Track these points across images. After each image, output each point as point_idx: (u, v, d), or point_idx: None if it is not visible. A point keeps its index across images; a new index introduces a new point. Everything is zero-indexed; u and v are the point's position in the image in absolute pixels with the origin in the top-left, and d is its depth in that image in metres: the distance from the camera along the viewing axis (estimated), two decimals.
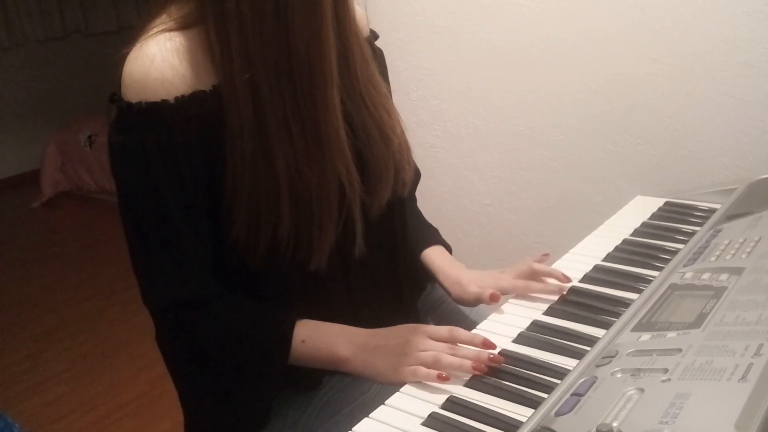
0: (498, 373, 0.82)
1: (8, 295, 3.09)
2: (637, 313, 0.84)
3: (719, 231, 1.04)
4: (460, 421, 0.74)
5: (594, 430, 0.62)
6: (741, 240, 0.97)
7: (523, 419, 0.71)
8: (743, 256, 0.92)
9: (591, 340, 0.85)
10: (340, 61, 0.85)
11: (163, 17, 0.85)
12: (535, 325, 0.92)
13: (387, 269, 1.02)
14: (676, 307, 0.83)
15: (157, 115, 0.81)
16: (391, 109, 0.97)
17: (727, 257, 0.93)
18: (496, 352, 0.84)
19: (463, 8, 1.63)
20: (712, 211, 1.17)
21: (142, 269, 0.87)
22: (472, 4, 1.62)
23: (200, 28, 0.83)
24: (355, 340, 0.89)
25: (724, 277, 0.87)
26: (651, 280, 0.98)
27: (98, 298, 2.99)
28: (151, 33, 0.83)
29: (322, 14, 0.80)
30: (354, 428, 0.75)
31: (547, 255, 1.06)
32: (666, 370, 0.68)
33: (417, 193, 1.19)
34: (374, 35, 1.06)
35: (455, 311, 1.15)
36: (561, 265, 1.08)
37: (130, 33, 0.85)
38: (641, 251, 1.10)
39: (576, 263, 1.08)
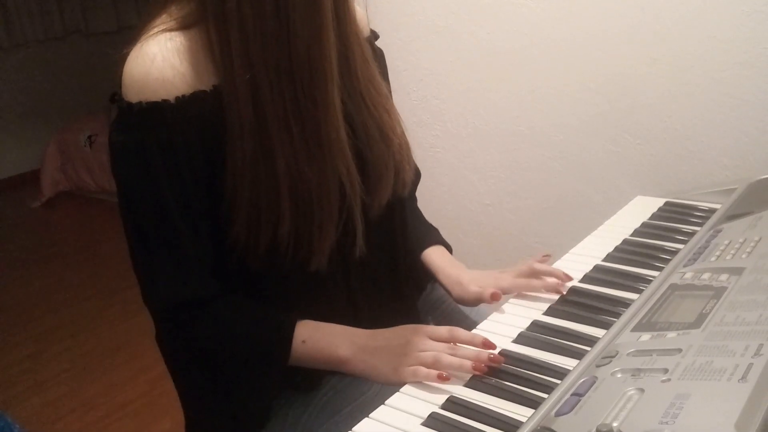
0: (498, 373, 0.82)
1: (8, 295, 3.09)
2: (637, 314, 0.84)
3: (719, 231, 1.04)
4: (460, 421, 0.74)
5: (594, 430, 0.62)
6: (741, 240, 0.97)
7: (523, 419, 0.71)
8: (743, 256, 0.92)
9: (591, 340, 0.85)
10: (341, 61, 0.85)
11: (164, 17, 0.85)
12: (535, 325, 0.92)
13: (387, 269, 1.02)
14: (676, 308, 0.83)
15: (158, 114, 0.81)
16: (391, 110, 0.97)
17: (727, 257, 0.93)
18: (496, 352, 0.84)
19: (463, 8, 1.63)
20: (712, 211, 1.17)
21: (143, 269, 0.87)
22: (472, 4, 1.62)
23: (201, 28, 0.83)
24: (355, 340, 0.89)
25: (724, 277, 0.87)
26: (651, 280, 0.98)
27: (98, 298, 2.99)
28: (151, 33, 0.83)
29: (323, 14, 0.80)
30: (354, 428, 0.75)
31: (548, 256, 1.06)
32: (666, 370, 0.68)
33: (417, 193, 1.19)
34: (374, 35, 1.06)
35: (455, 311, 1.15)
36: (561, 265, 1.08)
37: (130, 33, 0.85)
38: (641, 251, 1.10)
39: (576, 263, 1.08)
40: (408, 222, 1.06)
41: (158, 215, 0.84)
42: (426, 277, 1.11)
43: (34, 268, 3.39)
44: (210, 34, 0.82)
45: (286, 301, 0.92)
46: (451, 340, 0.86)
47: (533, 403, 0.75)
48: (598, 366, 0.74)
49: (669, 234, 1.16)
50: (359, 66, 0.91)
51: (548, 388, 0.76)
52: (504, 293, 1.00)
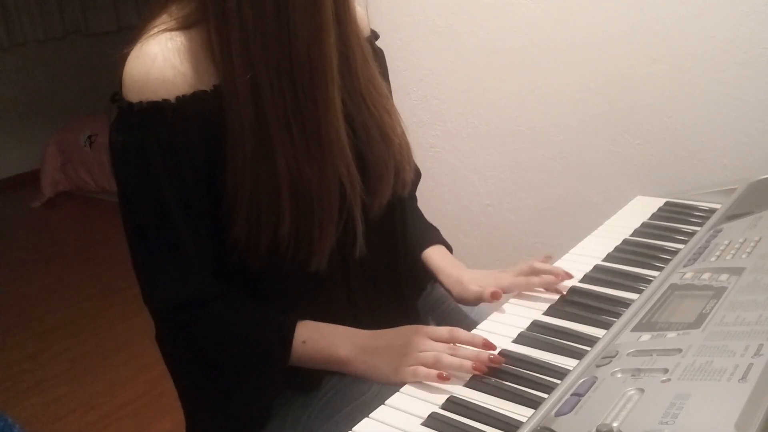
0: (498, 373, 0.82)
1: (8, 295, 3.09)
2: (637, 314, 0.84)
3: (719, 231, 1.04)
4: (460, 421, 0.75)
5: (594, 430, 0.62)
6: (741, 240, 0.97)
7: (523, 419, 0.71)
8: (743, 256, 0.92)
9: (591, 340, 0.85)
10: (341, 61, 0.85)
11: (164, 17, 0.85)
12: (535, 325, 0.92)
13: (387, 269, 1.02)
14: (676, 308, 0.83)
15: (158, 114, 0.81)
16: (391, 110, 0.97)
17: (727, 257, 0.93)
18: (496, 352, 0.84)
19: (463, 8, 1.63)
20: (712, 211, 1.17)
21: (143, 269, 0.87)
22: (472, 4, 1.62)
23: (201, 28, 0.83)
24: (356, 341, 0.89)
25: (724, 277, 0.87)
26: (651, 280, 0.98)
27: (98, 298, 2.99)
28: (152, 33, 0.83)
29: (323, 14, 0.80)
30: (354, 428, 0.75)
31: (549, 257, 1.06)
32: (666, 371, 0.68)
33: (417, 193, 1.19)
34: (375, 35, 1.06)
35: (455, 311, 1.15)
36: (561, 265, 1.08)
37: (130, 33, 0.85)
38: (641, 251, 1.10)
39: (576, 263, 1.08)
40: (408, 222, 1.06)
41: (158, 215, 0.84)
42: (426, 276, 1.11)
43: (34, 268, 3.39)
44: (210, 34, 0.82)
45: (286, 301, 0.92)
46: (451, 341, 0.86)
47: (533, 403, 0.75)
48: (598, 366, 0.74)
49: (669, 234, 1.16)
50: (360, 66, 0.91)
51: (548, 388, 0.76)
52: (504, 292, 1.00)
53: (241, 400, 0.91)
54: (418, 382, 0.82)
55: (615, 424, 0.62)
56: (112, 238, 3.48)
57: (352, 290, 0.97)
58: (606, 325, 0.87)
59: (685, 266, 0.95)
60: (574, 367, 0.77)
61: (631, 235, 1.17)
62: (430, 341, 0.86)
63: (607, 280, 1.02)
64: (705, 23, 1.35)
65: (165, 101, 0.81)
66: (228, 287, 0.90)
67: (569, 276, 1.01)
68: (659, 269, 1.01)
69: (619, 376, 0.71)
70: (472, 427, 0.73)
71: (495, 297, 0.99)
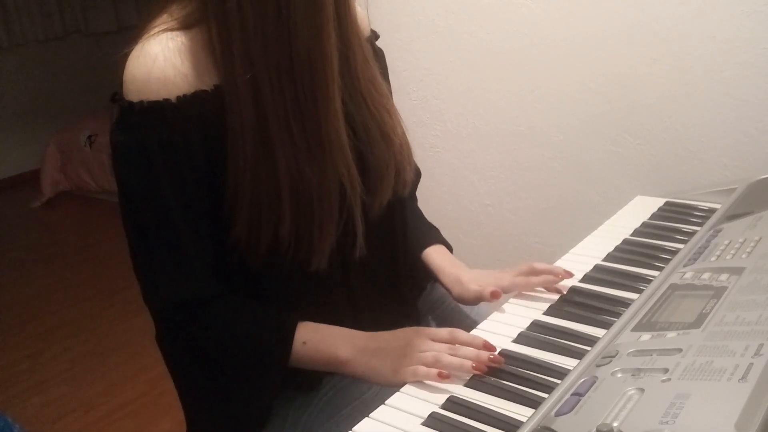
0: (498, 373, 0.82)
1: (8, 295, 3.09)
2: (637, 313, 0.84)
3: (719, 231, 1.04)
4: (460, 421, 0.75)
5: (594, 430, 0.62)
6: (741, 240, 0.97)
7: (524, 419, 0.71)
8: (743, 256, 0.92)
9: (591, 340, 0.85)
10: (342, 62, 0.85)
11: (165, 17, 0.85)
12: (536, 325, 0.92)
13: (387, 269, 1.02)
14: (676, 307, 0.83)
15: (159, 114, 0.81)
16: (392, 110, 0.97)
17: (727, 257, 0.93)
18: (496, 352, 0.84)
19: (463, 8, 1.63)
20: (712, 211, 1.17)
21: (143, 269, 0.87)
22: (472, 4, 1.62)
23: (202, 28, 0.83)
24: (356, 342, 0.89)
25: (724, 277, 0.87)
26: (651, 280, 0.98)
27: (98, 298, 2.99)
28: (152, 32, 0.83)
29: (324, 14, 0.80)
30: (354, 428, 0.75)
31: (571, 274, 1.04)
32: (666, 370, 0.68)
33: (417, 193, 1.19)
34: (375, 35, 1.06)
35: (455, 311, 1.15)
36: (561, 265, 1.08)
37: (130, 33, 0.85)
38: (641, 251, 1.10)
39: (576, 263, 1.08)
40: (408, 222, 1.07)
41: (159, 215, 0.84)
42: (426, 276, 1.11)
43: (34, 268, 3.39)
44: (211, 34, 0.82)
45: (286, 301, 0.92)
46: (451, 342, 0.86)
47: (533, 403, 0.75)
48: (598, 366, 0.74)
49: (669, 234, 1.16)
50: (360, 66, 0.91)
51: (548, 388, 0.76)
52: (504, 292, 1.00)
53: (241, 401, 0.91)
54: (419, 382, 0.82)
55: (615, 424, 0.62)
56: (112, 238, 3.48)
57: (352, 290, 0.97)
58: (606, 325, 0.87)
59: (685, 266, 0.95)
60: (575, 367, 0.77)
61: (631, 234, 1.17)
62: (430, 342, 0.86)
63: (607, 280, 1.02)
64: (705, 23, 1.35)
65: (166, 101, 0.81)
66: (228, 287, 0.90)
67: (569, 275, 1.01)
68: (659, 269, 1.01)
69: (619, 375, 0.71)
70: (472, 427, 0.73)
71: (494, 296, 0.99)
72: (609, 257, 1.10)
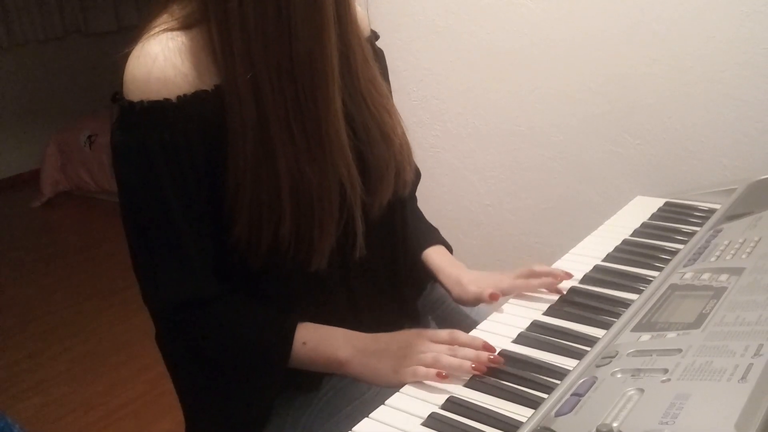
0: (498, 373, 0.82)
1: (8, 295, 3.09)
2: (637, 314, 0.84)
3: (719, 231, 1.04)
4: (460, 422, 0.75)
5: (594, 430, 0.62)
6: (741, 240, 0.97)
7: (523, 419, 0.71)
8: (743, 256, 0.92)
9: (591, 341, 0.85)
10: (342, 62, 0.85)
11: (165, 17, 0.85)
12: (535, 326, 0.92)
13: (387, 269, 1.02)
14: (676, 308, 0.83)
15: (159, 114, 0.81)
16: (392, 110, 0.97)
17: (727, 257, 0.93)
18: (496, 353, 0.84)
19: (463, 8, 1.63)
20: (712, 211, 1.17)
21: (143, 269, 0.87)
22: (472, 4, 1.62)
23: (202, 28, 0.83)
24: (355, 343, 0.89)
25: (724, 277, 0.87)
26: (651, 281, 0.98)
27: (98, 298, 2.99)
28: (153, 32, 0.83)
29: (324, 15, 0.80)
30: (354, 428, 0.75)
31: (570, 275, 1.04)
32: (666, 371, 0.68)
33: (417, 193, 1.19)
34: (375, 35, 1.06)
35: (455, 311, 1.15)
36: (561, 265, 1.08)
37: (130, 33, 0.85)
38: (641, 251, 1.10)
39: (576, 263, 1.08)
40: (408, 222, 1.07)
41: (159, 215, 0.84)
42: (426, 277, 1.11)
43: (34, 268, 3.39)
44: (212, 34, 0.82)
45: (286, 300, 0.92)
46: (451, 343, 0.86)
47: (533, 404, 0.75)
48: (598, 366, 0.74)
49: (669, 234, 1.16)
50: (360, 66, 0.91)
51: (548, 389, 0.76)
52: (503, 294, 1.00)
53: (241, 401, 0.91)
54: (418, 383, 0.82)
55: (615, 425, 0.62)
56: (112, 238, 3.48)
57: (352, 290, 0.97)
58: (606, 326, 0.87)
59: (685, 266, 0.95)
60: (574, 368, 0.77)
61: (631, 235, 1.17)
62: (430, 343, 0.86)
63: (607, 281, 1.02)
64: (705, 23, 1.35)
65: (166, 101, 0.81)
66: (228, 287, 0.90)
67: (568, 276, 1.01)
68: (659, 269, 1.01)
69: (619, 376, 0.71)
70: (472, 427, 0.73)
71: (493, 298, 0.99)
72: (609, 257, 1.10)
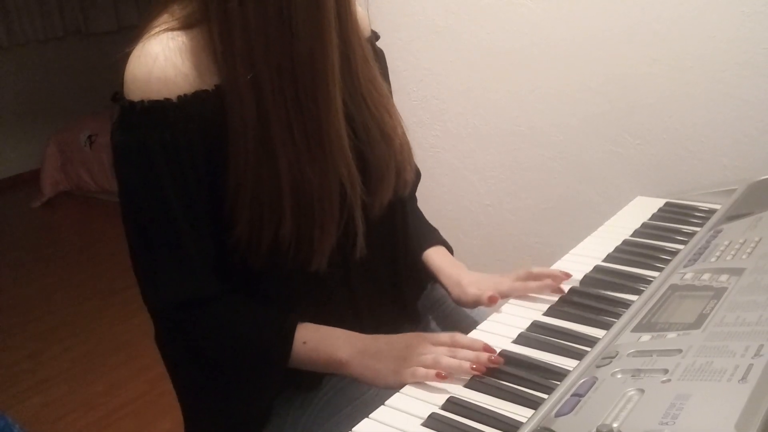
0: (498, 373, 0.82)
1: (8, 295, 3.09)
2: (637, 314, 0.84)
3: (719, 232, 1.04)
4: (460, 422, 0.75)
5: (594, 430, 0.62)
6: (741, 241, 0.97)
7: (523, 420, 0.71)
8: (743, 256, 0.92)
9: (591, 341, 0.85)
10: (342, 62, 0.85)
11: (166, 17, 0.85)
12: (536, 326, 0.92)
13: (388, 269, 1.02)
14: (676, 308, 0.83)
15: (160, 113, 0.81)
16: (392, 110, 0.97)
17: (728, 258, 0.93)
18: (496, 353, 0.84)
19: (463, 8, 1.63)
20: (713, 211, 1.17)
21: (143, 269, 0.87)
22: (472, 4, 1.62)
23: (203, 28, 0.83)
24: (356, 343, 0.89)
25: (724, 277, 0.87)
26: (651, 281, 0.98)
27: (98, 298, 2.99)
28: (153, 32, 0.83)
29: (325, 15, 0.80)
30: (354, 428, 0.75)
31: (568, 275, 1.04)
32: (666, 371, 0.68)
33: (417, 193, 1.19)
34: (375, 36, 1.06)
35: (456, 310, 1.15)
36: (561, 265, 1.08)
37: (130, 33, 0.85)
38: (641, 252, 1.10)
39: (576, 264, 1.08)
40: (409, 222, 1.07)
41: (160, 214, 0.84)
42: (427, 277, 1.11)
43: (34, 268, 3.39)
44: (212, 34, 0.82)
45: (287, 300, 0.92)
46: (452, 346, 0.86)
47: (533, 404, 0.75)
48: (598, 366, 0.74)
49: (669, 234, 1.16)
50: (360, 67, 0.91)
51: (548, 389, 0.76)
52: (502, 297, 1.00)
53: (241, 401, 0.91)
54: (418, 383, 0.82)
55: (615, 425, 0.62)
56: (112, 238, 3.48)
57: (353, 290, 0.97)
58: (606, 326, 0.87)
59: (685, 267, 0.95)
60: (574, 368, 0.77)
61: (631, 235, 1.17)
62: (430, 346, 0.86)
63: (607, 281, 1.02)
64: (705, 23, 1.35)
65: (167, 100, 0.81)
66: (229, 287, 0.90)
67: (567, 276, 1.01)
68: (659, 270, 1.01)
69: (619, 376, 0.71)
70: (472, 427, 0.73)
71: (492, 301, 0.99)
72: (609, 258, 1.10)
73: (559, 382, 0.75)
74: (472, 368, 0.81)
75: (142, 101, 0.81)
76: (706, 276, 0.89)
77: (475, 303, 1.02)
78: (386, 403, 0.79)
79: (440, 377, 0.81)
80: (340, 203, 0.88)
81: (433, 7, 1.67)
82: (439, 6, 1.66)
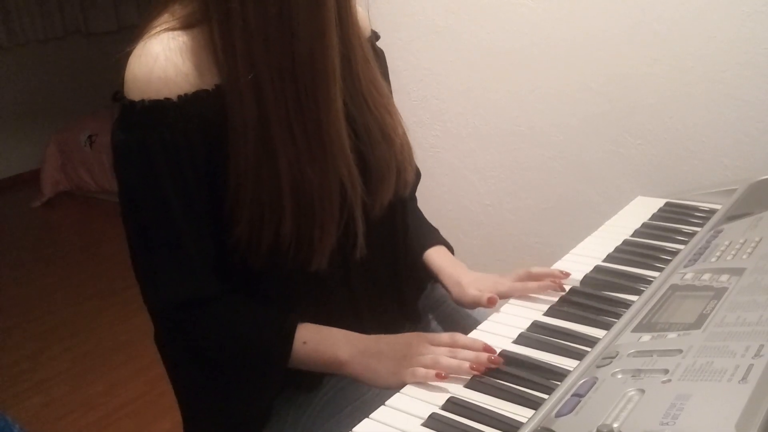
0: (498, 373, 0.82)
1: (8, 295, 3.09)
2: (637, 314, 0.84)
3: (720, 232, 1.04)
4: (460, 422, 0.74)
5: (594, 430, 0.62)
6: (741, 241, 0.97)
7: (524, 420, 0.71)
8: (744, 256, 0.92)
9: (591, 341, 0.85)
10: (343, 62, 0.85)
11: (166, 16, 0.85)
12: (536, 326, 0.92)
13: (388, 269, 1.02)
14: (676, 308, 0.83)
15: (160, 113, 0.81)
16: (392, 110, 0.97)
17: (728, 258, 0.93)
18: (496, 353, 0.84)
19: (463, 8, 1.63)
20: (713, 211, 1.17)
21: (143, 269, 0.87)
22: (472, 4, 1.62)
23: (203, 28, 0.83)
24: (356, 343, 0.89)
25: (724, 277, 0.87)
26: (651, 281, 0.97)
27: (98, 298, 2.99)
28: (154, 32, 0.83)
29: (326, 15, 0.80)
30: (354, 428, 0.75)
31: (567, 274, 1.04)
32: (666, 371, 0.68)
33: (417, 193, 1.19)
34: (375, 36, 1.06)
35: (456, 310, 1.15)
36: (561, 265, 1.08)
37: (130, 33, 0.85)
38: (642, 252, 1.10)
39: (576, 264, 1.08)
40: (409, 222, 1.06)
41: (160, 214, 0.84)
42: (427, 277, 1.11)
43: (34, 268, 3.39)
44: (213, 33, 0.82)
45: (287, 301, 0.92)
46: (452, 346, 0.86)
47: (533, 404, 0.75)
48: (598, 367, 0.74)
49: (669, 234, 1.16)
50: (361, 67, 0.91)
51: (548, 389, 0.76)
52: (501, 297, 1.00)
53: (241, 401, 0.91)
54: (419, 383, 0.82)
55: (615, 425, 0.62)
56: (112, 238, 3.48)
57: (353, 290, 0.97)
58: (606, 326, 0.87)
59: (685, 267, 0.95)
60: (575, 368, 0.77)
61: (632, 235, 1.17)
62: (430, 346, 0.86)
63: (608, 281, 1.02)
64: (706, 23, 1.35)
65: (167, 100, 0.81)
66: (229, 287, 0.89)
67: (566, 275, 1.01)
68: (660, 270, 1.01)
69: (619, 376, 0.71)
70: (472, 427, 0.73)
71: (491, 303, 0.99)
72: (609, 258, 1.10)
73: (559, 383, 0.75)
74: (472, 368, 0.81)
75: (143, 101, 0.81)
76: (706, 276, 0.89)
77: (475, 304, 1.02)
78: (386, 403, 0.79)
79: (440, 377, 0.81)
80: (340, 203, 0.88)
81: (433, 7, 1.67)
82: (439, 6, 1.66)
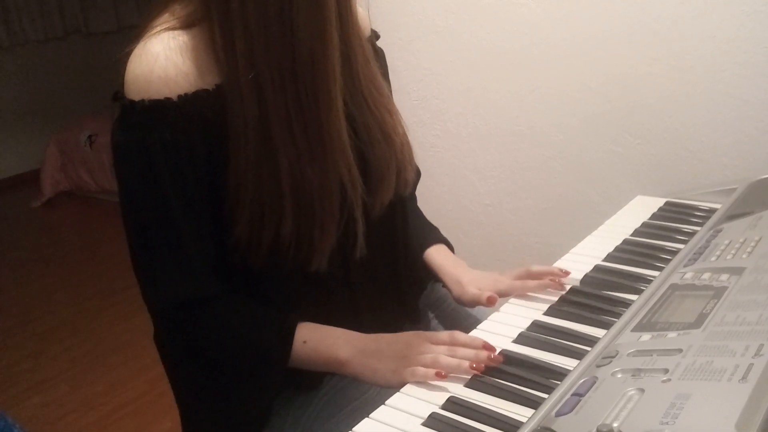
0: (498, 373, 0.82)
1: (8, 295, 3.09)
2: (637, 314, 0.84)
3: (719, 231, 1.04)
4: (460, 422, 0.74)
5: (594, 430, 0.62)
6: (741, 240, 0.97)
7: (524, 419, 0.71)
8: (744, 256, 0.92)
9: (591, 341, 0.85)
10: (343, 62, 0.85)
11: (166, 16, 0.85)
12: (536, 325, 0.92)
13: (388, 269, 1.02)
14: (676, 308, 0.83)
15: (160, 113, 0.81)
16: (392, 110, 0.97)
17: (728, 257, 0.93)
18: (496, 352, 0.84)
19: (463, 8, 1.63)
20: (713, 211, 1.17)
21: (143, 269, 0.87)
22: (472, 4, 1.62)
23: (204, 28, 0.83)
24: (355, 343, 0.89)
25: (724, 277, 0.87)
26: (651, 280, 0.97)
27: (98, 298, 2.99)
28: (154, 31, 0.83)
29: (326, 15, 0.80)
30: (354, 428, 0.75)
31: (567, 273, 1.04)
32: (666, 371, 0.68)
33: (417, 193, 1.19)
34: (376, 35, 1.06)
35: (457, 309, 1.15)
36: (561, 265, 1.08)
37: (130, 33, 0.85)
38: (641, 251, 1.10)
39: (576, 263, 1.08)
40: (409, 221, 1.07)
41: (160, 214, 0.84)
42: (428, 276, 1.11)
43: (34, 268, 3.39)
44: (213, 33, 0.82)
45: (287, 300, 0.92)
46: (451, 344, 0.86)
47: (533, 404, 0.75)
48: (598, 366, 0.74)
49: (669, 234, 1.16)
50: (361, 67, 0.91)
51: (548, 389, 0.76)
52: (501, 296, 1.00)
53: (241, 401, 0.91)
54: (419, 383, 0.82)
55: (615, 425, 0.62)
56: (112, 238, 3.48)
57: (353, 290, 0.97)
58: (606, 325, 0.87)
59: (685, 266, 0.95)
60: (575, 368, 0.77)
61: (632, 235, 1.17)
62: (429, 345, 0.86)
63: (608, 280, 1.02)
64: (705, 23, 1.35)
65: (167, 100, 0.81)
66: (229, 287, 0.90)
67: (566, 274, 1.01)
68: (659, 269, 1.01)
69: (619, 376, 0.71)
70: (472, 427, 0.73)
71: (491, 302, 0.99)
72: (609, 257, 1.10)
73: (559, 382, 0.75)
74: (472, 367, 0.81)
75: (143, 100, 0.81)
76: (706, 275, 0.89)
77: (475, 303, 1.02)
78: (386, 402, 0.79)
79: (440, 376, 0.81)
80: (340, 203, 0.88)
81: (433, 7, 1.67)
82: (439, 6, 1.66)
